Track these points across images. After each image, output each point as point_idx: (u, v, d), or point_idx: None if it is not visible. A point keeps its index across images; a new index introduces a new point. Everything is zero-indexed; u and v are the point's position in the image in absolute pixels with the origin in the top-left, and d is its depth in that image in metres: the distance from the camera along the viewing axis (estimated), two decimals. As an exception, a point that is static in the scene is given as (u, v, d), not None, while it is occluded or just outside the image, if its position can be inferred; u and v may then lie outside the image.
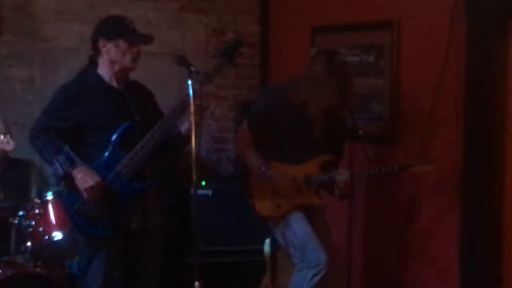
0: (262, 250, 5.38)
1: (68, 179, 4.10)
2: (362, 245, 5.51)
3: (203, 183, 5.68)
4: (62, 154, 4.05)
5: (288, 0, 6.55)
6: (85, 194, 4.06)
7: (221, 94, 6.68)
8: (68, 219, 4.40)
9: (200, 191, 5.55)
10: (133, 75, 4.38)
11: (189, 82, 3.92)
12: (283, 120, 4.75)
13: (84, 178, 4.04)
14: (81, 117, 4.14)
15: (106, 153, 4.14)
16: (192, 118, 3.86)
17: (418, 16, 5.20)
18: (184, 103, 4.10)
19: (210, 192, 5.74)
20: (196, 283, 3.81)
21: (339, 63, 4.72)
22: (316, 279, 4.66)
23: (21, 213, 4.86)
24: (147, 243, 4.33)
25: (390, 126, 5.42)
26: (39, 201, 4.96)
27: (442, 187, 5.08)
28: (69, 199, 4.21)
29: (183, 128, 4.24)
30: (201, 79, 4.06)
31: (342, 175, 4.67)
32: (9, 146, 4.81)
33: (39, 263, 4.81)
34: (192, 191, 3.95)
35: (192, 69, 3.97)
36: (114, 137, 4.14)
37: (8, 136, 4.92)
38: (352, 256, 4.70)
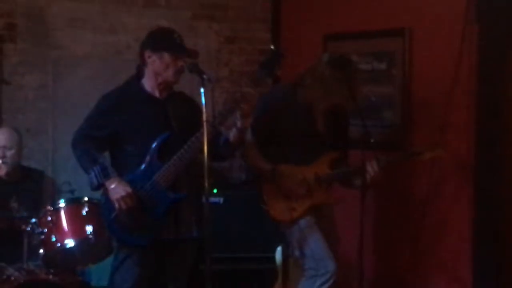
0: (273, 257, 5.38)
1: (104, 189, 4.21)
2: (374, 249, 5.50)
3: (215, 190, 5.68)
4: (98, 164, 4.16)
5: (300, 8, 6.55)
6: (116, 205, 4.15)
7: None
8: (104, 227, 4.46)
9: (212, 199, 5.56)
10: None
11: (202, 90, 3.93)
12: (288, 121, 4.75)
13: (116, 189, 4.13)
14: (120, 125, 4.22)
15: (144, 163, 4.21)
16: (205, 125, 3.87)
17: (430, 23, 5.20)
18: (223, 113, 4.15)
19: (221, 200, 5.74)
20: (208, 291, 3.82)
21: (351, 70, 4.72)
22: (325, 287, 4.66)
23: (33, 220, 4.84)
24: (179, 253, 4.40)
25: (402, 133, 5.43)
26: (52, 208, 4.96)
27: (454, 191, 5.08)
28: (106, 208, 4.29)
29: (231, 134, 4.26)
30: (236, 97, 4.16)
31: (373, 167, 4.60)
32: (1, 171, 4.86)
33: (51, 270, 4.80)
34: (204, 198, 3.97)
35: (205, 76, 3.99)
36: (152, 146, 4.20)
37: (0, 161, 4.96)
38: (363, 260, 4.68)
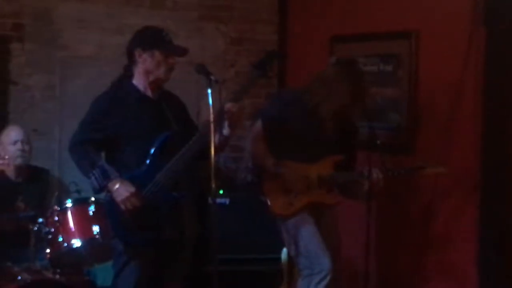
0: (279, 259, 5.38)
1: (107, 191, 4.19)
2: (379, 254, 5.50)
3: (221, 191, 5.70)
4: (97, 168, 4.13)
5: (307, 9, 6.56)
6: (122, 206, 4.13)
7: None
8: (109, 227, 4.45)
9: (218, 200, 5.56)
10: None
11: (209, 90, 3.94)
12: (296, 121, 4.77)
13: (119, 191, 4.11)
14: (117, 126, 4.20)
15: (147, 163, 4.20)
16: (212, 126, 3.88)
17: (437, 26, 5.20)
18: (220, 113, 4.13)
19: (227, 201, 5.76)
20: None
21: (358, 72, 4.74)
22: (321, 285, 4.66)
23: (40, 220, 4.86)
24: (180, 252, 4.39)
25: (408, 135, 5.42)
26: (59, 209, 4.97)
27: (459, 196, 5.07)
28: (110, 208, 4.27)
29: (224, 131, 4.24)
30: (234, 96, 4.14)
31: (378, 174, 4.64)
32: (9, 167, 4.87)
33: (58, 270, 4.82)
34: (209, 199, 3.97)
35: (212, 77, 4.00)
36: (154, 147, 4.19)
37: (7, 157, 4.98)
38: (369, 264, 4.69)
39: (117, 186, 4.12)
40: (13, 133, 5.16)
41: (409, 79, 5.41)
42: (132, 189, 4.12)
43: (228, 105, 4.08)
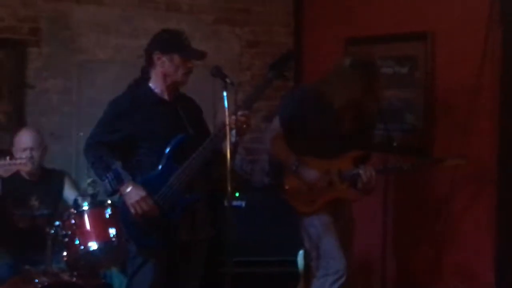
0: (295, 261, 5.39)
1: (119, 194, 4.21)
2: (396, 254, 5.49)
3: (237, 194, 5.70)
4: (111, 171, 4.15)
5: (322, 12, 6.56)
6: (132, 210, 4.15)
7: (254, 105, 6.67)
8: (123, 229, 4.48)
9: (234, 202, 5.56)
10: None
11: (224, 93, 3.94)
12: (313, 116, 4.78)
13: (130, 194, 4.13)
14: (134, 129, 4.21)
15: (160, 165, 4.20)
16: (228, 129, 3.88)
17: (452, 27, 5.18)
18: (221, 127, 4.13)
19: (243, 203, 5.76)
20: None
21: (374, 73, 4.72)
22: (336, 285, 4.67)
23: (57, 223, 4.88)
24: (193, 254, 4.40)
25: (424, 137, 5.41)
26: (75, 211, 4.98)
27: (477, 196, 5.05)
28: (123, 212, 4.28)
29: (232, 138, 4.20)
30: (246, 99, 4.16)
31: (366, 171, 4.66)
32: (27, 167, 4.84)
33: (75, 273, 4.82)
34: (226, 202, 3.96)
35: (227, 80, 4.00)
36: (168, 149, 4.20)
37: (28, 157, 4.96)
38: (386, 265, 4.68)
39: (128, 189, 4.15)
40: (23, 139, 5.16)
41: (425, 80, 5.40)
42: (143, 193, 4.13)
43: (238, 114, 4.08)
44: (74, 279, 4.78)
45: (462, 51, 5.10)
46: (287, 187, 4.80)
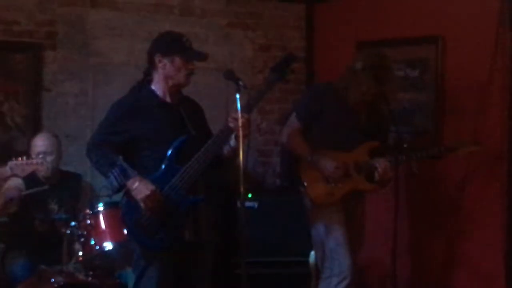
0: (307, 261, 5.39)
1: (126, 191, 4.13)
2: (407, 254, 5.49)
3: (250, 195, 5.69)
4: (116, 167, 4.08)
5: (333, 16, 6.58)
6: (142, 204, 4.07)
7: (267, 108, 6.70)
8: (126, 231, 4.43)
9: (247, 203, 5.57)
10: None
11: (237, 95, 3.95)
12: (330, 109, 4.81)
13: (139, 188, 4.05)
14: (136, 131, 4.17)
15: (163, 166, 4.16)
16: (240, 131, 3.88)
17: (463, 30, 5.20)
18: (223, 131, 4.13)
19: (256, 204, 5.75)
20: (243, 293, 3.82)
21: (386, 76, 4.74)
22: (341, 286, 4.68)
23: (73, 223, 4.90)
24: (199, 255, 4.33)
25: (434, 139, 5.42)
26: (91, 212, 5.01)
27: (486, 196, 5.07)
28: (127, 211, 4.24)
29: (225, 149, 4.23)
30: (248, 102, 4.09)
31: (381, 162, 4.69)
32: (42, 168, 4.85)
33: (90, 272, 4.84)
34: (239, 203, 3.97)
35: (240, 83, 3.99)
36: (170, 150, 4.16)
37: (45, 158, 4.96)
38: (397, 264, 4.69)
39: (136, 184, 4.06)
40: (39, 144, 5.17)
41: (436, 83, 5.41)
42: (152, 186, 4.06)
43: (233, 115, 4.04)
44: (90, 278, 4.80)
45: (472, 54, 5.12)
46: (305, 181, 4.80)
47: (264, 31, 6.71)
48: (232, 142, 4.15)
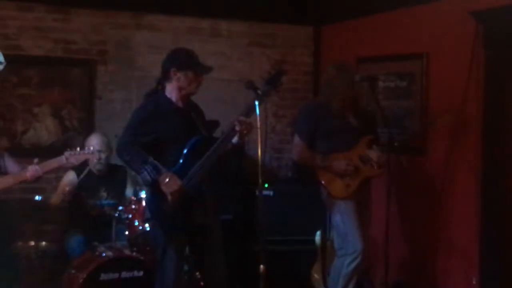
0: (314, 240, 5.41)
1: (155, 184, 4.06)
2: (398, 238, 5.49)
3: (266, 185, 5.71)
4: (148, 164, 4.01)
5: (337, 36, 6.58)
6: (170, 197, 4.02)
7: (280, 113, 6.73)
8: (149, 214, 4.35)
9: (264, 192, 5.59)
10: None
11: (256, 102, 3.94)
12: (322, 121, 4.81)
13: (169, 183, 4.00)
14: (158, 132, 4.12)
15: (180, 161, 4.10)
16: (259, 131, 3.84)
17: (444, 48, 5.19)
18: (227, 132, 4.11)
19: (272, 193, 5.76)
20: (261, 267, 3.83)
21: (376, 85, 4.80)
22: (353, 265, 4.67)
23: (120, 208, 4.94)
24: (210, 233, 4.26)
25: (421, 139, 5.42)
26: (135, 198, 5.06)
27: (463, 186, 5.06)
28: (152, 200, 4.20)
29: (234, 140, 4.16)
30: (244, 111, 4.06)
31: (373, 153, 4.74)
32: (93, 156, 4.86)
33: (135, 248, 4.90)
34: (257, 192, 3.99)
35: (259, 92, 3.98)
36: (187, 148, 4.11)
37: (101, 152, 4.95)
38: (389, 247, 4.71)
39: (167, 179, 3.99)
40: (93, 142, 5.16)
41: (421, 92, 5.41)
42: (180, 182, 4.02)
43: (240, 119, 4.04)
44: (134, 253, 4.85)
45: (452, 69, 5.11)
46: (323, 181, 4.79)
47: (278, 49, 6.73)
48: (235, 139, 4.12)
